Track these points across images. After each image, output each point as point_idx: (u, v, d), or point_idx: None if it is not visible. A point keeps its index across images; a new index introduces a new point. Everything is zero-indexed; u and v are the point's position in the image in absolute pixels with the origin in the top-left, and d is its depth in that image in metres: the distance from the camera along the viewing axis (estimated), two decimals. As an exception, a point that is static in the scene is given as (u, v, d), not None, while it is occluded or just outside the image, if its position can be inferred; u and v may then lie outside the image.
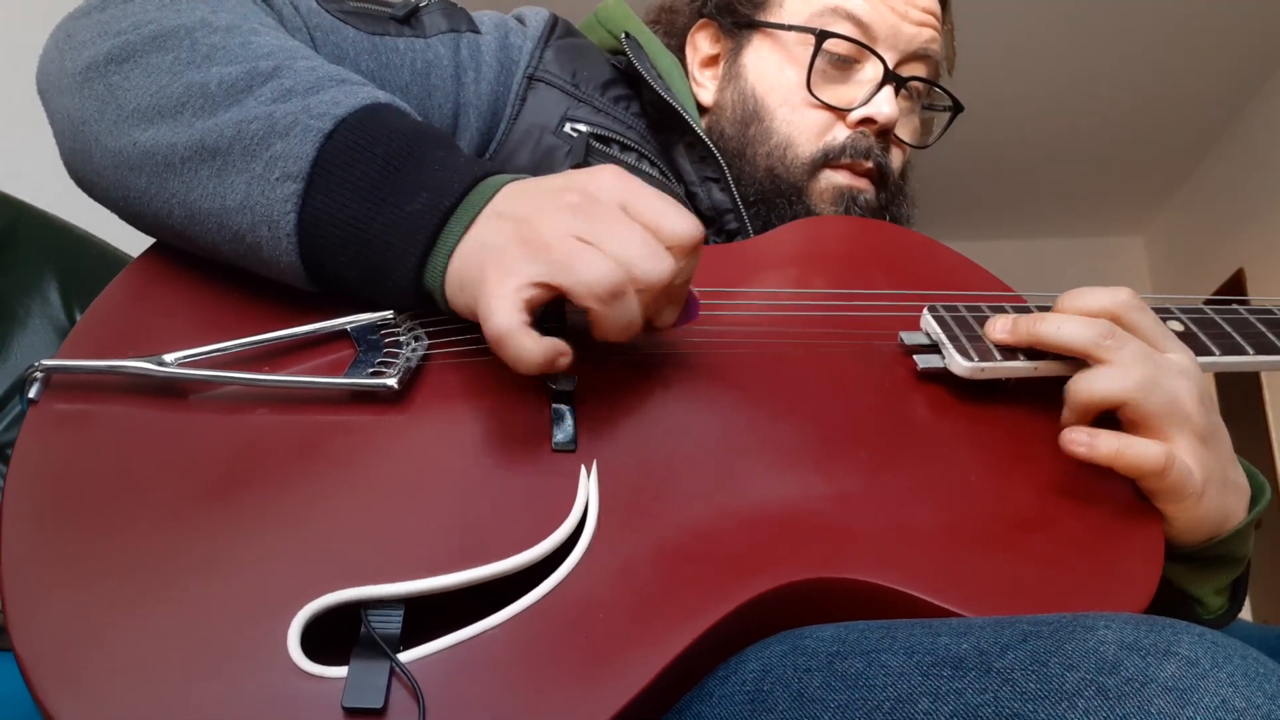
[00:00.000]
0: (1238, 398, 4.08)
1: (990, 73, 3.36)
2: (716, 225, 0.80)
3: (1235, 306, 0.64)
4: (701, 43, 0.87)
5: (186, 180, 0.54)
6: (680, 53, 0.87)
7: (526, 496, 0.51)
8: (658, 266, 0.50)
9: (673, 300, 0.54)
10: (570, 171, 0.55)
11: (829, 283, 0.66)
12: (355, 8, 0.73)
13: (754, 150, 0.79)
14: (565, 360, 0.50)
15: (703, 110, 0.85)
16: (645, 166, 0.78)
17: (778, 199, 0.78)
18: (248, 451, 0.51)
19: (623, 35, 0.82)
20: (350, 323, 0.56)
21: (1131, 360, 0.55)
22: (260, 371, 0.54)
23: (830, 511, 0.53)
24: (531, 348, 0.49)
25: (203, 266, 0.58)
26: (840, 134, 0.79)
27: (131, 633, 0.44)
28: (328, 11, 0.71)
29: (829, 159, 0.78)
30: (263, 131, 0.53)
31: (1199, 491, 0.55)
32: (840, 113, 0.79)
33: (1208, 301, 0.65)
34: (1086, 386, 0.56)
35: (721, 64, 0.85)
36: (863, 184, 0.79)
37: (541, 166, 0.75)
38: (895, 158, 0.82)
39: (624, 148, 0.77)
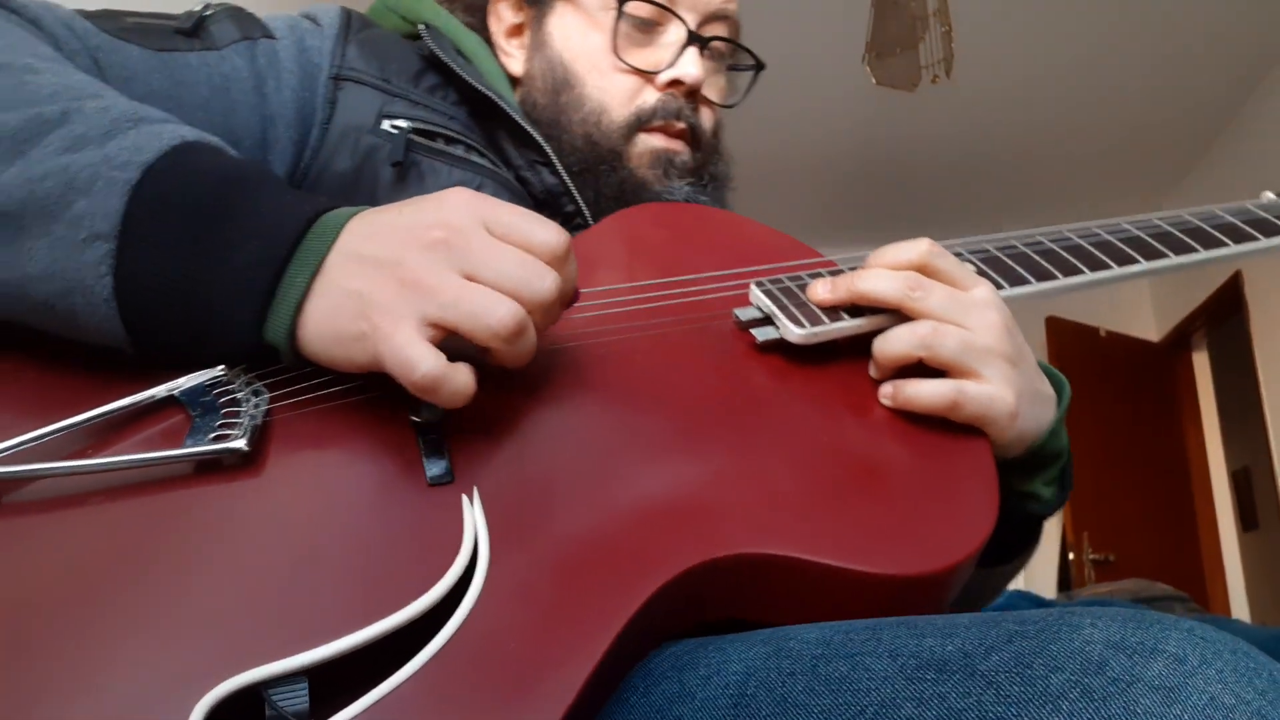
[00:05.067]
0: (1237, 397, 4.15)
1: (990, 73, 3.33)
2: (552, 208, 0.79)
3: (1013, 242, 0.71)
4: (504, 12, 0.85)
5: None
6: (483, 27, 0.85)
7: (412, 538, 0.49)
8: (543, 285, 0.50)
9: (564, 305, 0.54)
10: (416, 200, 0.52)
11: (657, 272, 0.67)
12: (134, 24, 0.66)
13: (569, 118, 0.79)
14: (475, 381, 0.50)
15: (515, 82, 0.84)
16: (475, 157, 0.76)
17: (601, 165, 0.79)
18: (90, 548, 0.46)
19: (421, 27, 0.79)
20: (177, 387, 0.51)
21: (938, 307, 0.60)
22: (83, 457, 0.48)
23: (706, 494, 0.54)
24: (467, 381, 0.48)
25: None
26: (650, 97, 0.80)
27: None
28: (105, 31, 0.64)
29: (642, 122, 0.79)
30: (59, 189, 0.47)
31: (1013, 412, 0.60)
32: (648, 76, 0.80)
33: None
34: (886, 348, 0.60)
35: (526, 32, 0.84)
36: (677, 145, 0.81)
37: (364, 169, 0.71)
38: (706, 117, 0.84)
39: (449, 140, 0.75)
